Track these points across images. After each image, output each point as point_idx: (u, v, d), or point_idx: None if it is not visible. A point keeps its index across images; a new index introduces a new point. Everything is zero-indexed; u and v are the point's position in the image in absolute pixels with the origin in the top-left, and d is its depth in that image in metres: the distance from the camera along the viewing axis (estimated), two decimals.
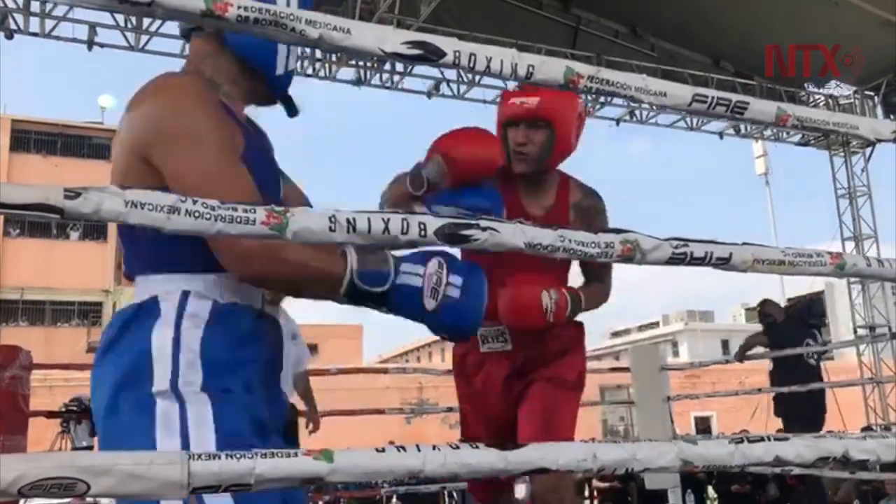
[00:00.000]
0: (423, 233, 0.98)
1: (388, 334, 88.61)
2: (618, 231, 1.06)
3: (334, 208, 0.97)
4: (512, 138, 2.13)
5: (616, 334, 44.52)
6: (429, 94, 8.80)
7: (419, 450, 0.91)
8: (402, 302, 1.27)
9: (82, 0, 0.88)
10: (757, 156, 17.79)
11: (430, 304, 1.27)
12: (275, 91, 1.43)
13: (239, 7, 0.93)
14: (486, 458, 0.93)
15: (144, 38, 7.68)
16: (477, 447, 0.93)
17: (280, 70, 1.39)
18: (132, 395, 1.21)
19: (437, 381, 21.40)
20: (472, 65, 1.05)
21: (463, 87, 8.94)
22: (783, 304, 7.29)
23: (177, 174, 1.22)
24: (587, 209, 2.24)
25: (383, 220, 0.97)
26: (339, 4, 7.66)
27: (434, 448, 0.91)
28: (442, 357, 39.44)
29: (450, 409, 4.40)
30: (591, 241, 1.03)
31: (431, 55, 1.03)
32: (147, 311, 1.26)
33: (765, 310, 6.40)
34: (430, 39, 1.03)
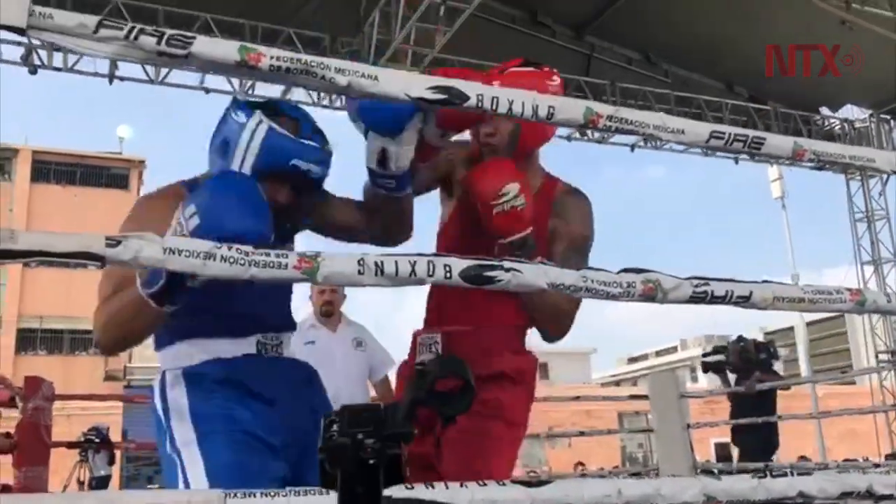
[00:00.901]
0: (448, 274, 1.01)
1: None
2: (639, 271, 1.08)
3: (362, 252, 1.00)
4: (480, 129, 2.00)
5: (633, 360, 44.22)
6: None
7: (447, 487, 0.93)
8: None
9: (125, 54, 0.92)
10: (772, 179, 17.70)
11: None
12: None
13: (271, 57, 0.97)
14: (511, 495, 0.94)
15: (164, 70, 7.81)
16: (504, 484, 0.95)
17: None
18: (161, 452, 1.59)
19: None
20: (494, 107, 1.08)
21: None
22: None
23: None
24: (568, 204, 2.07)
25: (410, 262, 1.00)
26: (355, 36, 7.77)
27: (462, 486, 0.93)
28: None
29: None
30: (613, 281, 1.05)
31: (455, 99, 1.06)
32: (151, 390, 1.65)
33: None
34: (453, 84, 1.06)
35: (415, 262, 1.00)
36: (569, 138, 9.02)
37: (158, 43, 0.93)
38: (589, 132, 8.97)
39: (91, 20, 0.92)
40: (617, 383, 39.90)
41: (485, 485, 0.95)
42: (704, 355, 6.73)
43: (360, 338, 4.23)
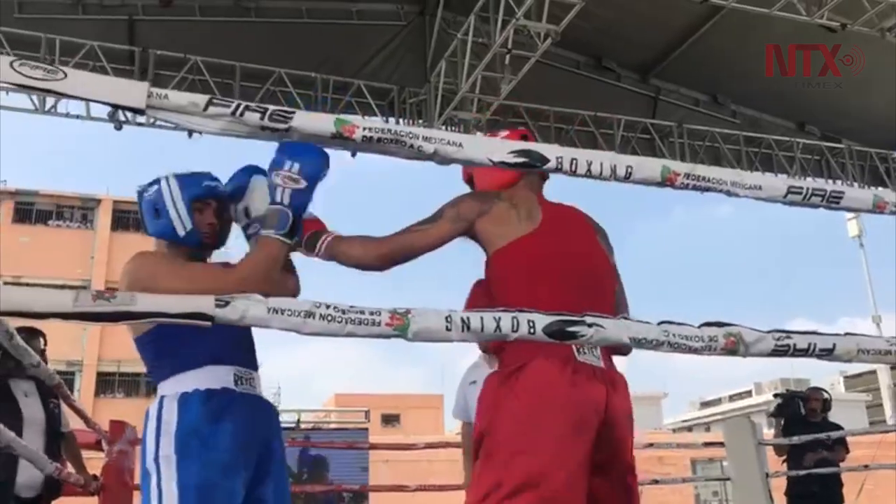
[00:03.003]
0: (532, 330, 1.04)
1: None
2: (720, 324, 1.10)
3: (449, 308, 1.05)
4: None
5: (706, 404, 42.96)
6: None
7: None
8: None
9: (231, 129, 0.99)
10: (849, 218, 17.19)
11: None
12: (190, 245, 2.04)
13: (364, 129, 1.04)
14: None
15: None
16: None
17: (181, 232, 2.01)
18: (141, 466, 1.87)
19: None
20: (573, 169, 1.13)
21: None
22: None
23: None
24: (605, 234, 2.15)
25: (494, 318, 1.04)
26: (421, 86, 7.96)
27: None
28: None
29: None
30: (694, 335, 1.07)
31: (536, 162, 1.11)
32: (147, 413, 1.93)
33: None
34: (534, 148, 1.11)
35: (499, 318, 1.04)
36: None
37: (262, 118, 1.01)
38: None
39: (201, 99, 1.00)
40: (689, 429, 38.77)
41: None
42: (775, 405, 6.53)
43: None
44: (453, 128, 7.66)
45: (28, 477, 3.98)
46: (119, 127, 7.66)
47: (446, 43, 7.59)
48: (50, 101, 7.57)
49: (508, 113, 8.20)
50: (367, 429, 10.83)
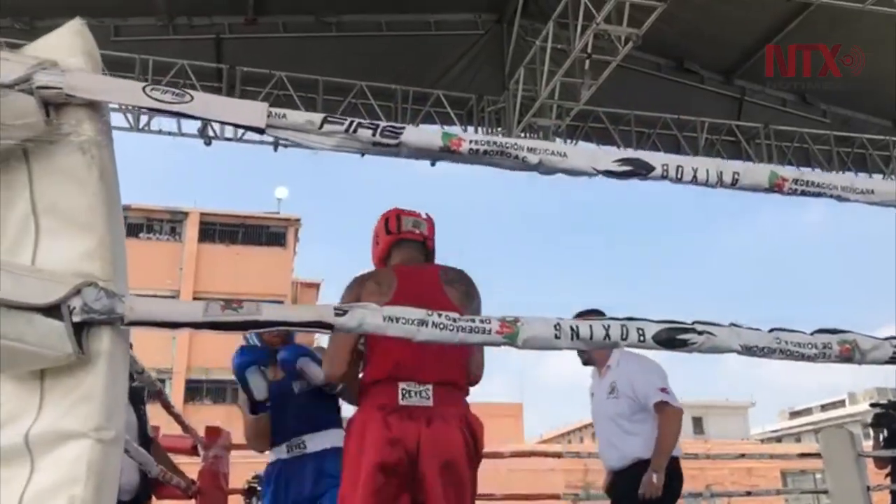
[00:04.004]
0: (641, 338, 1.05)
1: (549, 413, 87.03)
2: (834, 331, 1.07)
3: (557, 317, 1.06)
4: None
5: (795, 414, 41.47)
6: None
7: None
8: None
9: (344, 146, 1.03)
10: None
11: None
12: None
13: (470, 142, 1.06)
14: None
15: None
16: None
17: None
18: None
19: (601, 464, 20.71)
20: (679, 176, 1.13)
21: None
22: None
23: None
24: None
25: (603, 326, 1.05)
26: (500, 94, 7.98)
27: None
28: None
29: None
30: (807, 343, 1.05)
31: (641, 170, 1.11)
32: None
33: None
34: (638, 156, 1.11)
35: (608, 325, 1.05)
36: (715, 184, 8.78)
37: (374, 134, 1.04)
38: None
39: (317, 117, 1.05)
40: (778, 439, 37.49)
41: None
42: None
43: (614, 383, 3.70)
44: (532, 135, 7.65)
45: (125, 481, 4.16)
46: (209, 143, 7.94)
47: (524, 50, 7.59)
48: (143, 118, 7.91)
49: (588, 118, 8.14)
50: None
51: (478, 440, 2.23)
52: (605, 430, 3.78)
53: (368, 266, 2.63)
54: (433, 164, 8.92)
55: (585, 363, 3.92)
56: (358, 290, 2.32)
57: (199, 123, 8.04)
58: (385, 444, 2.09)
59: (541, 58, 7.19)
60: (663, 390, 3.55)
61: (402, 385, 2.15)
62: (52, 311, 0.93)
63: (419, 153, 1.07)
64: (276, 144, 8.27)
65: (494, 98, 8.03)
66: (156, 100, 0.99)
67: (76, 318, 0.92)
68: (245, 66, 7.53)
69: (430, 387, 2.17)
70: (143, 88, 1.01)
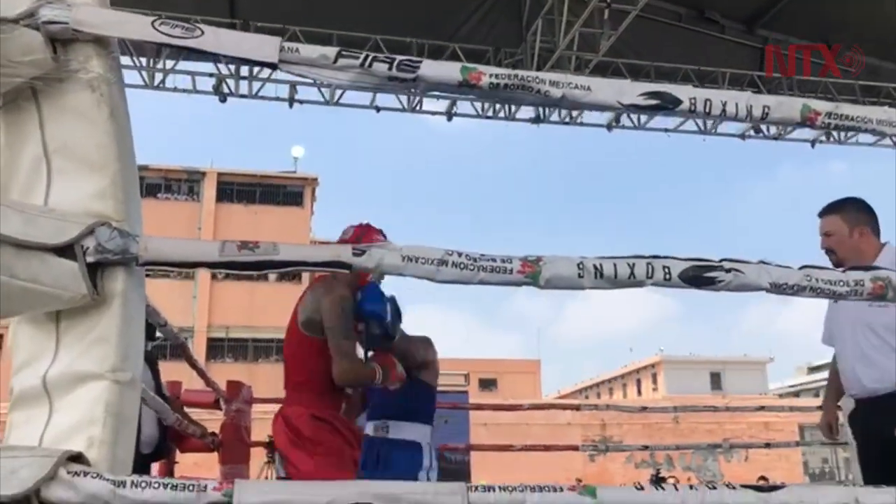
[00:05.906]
0: (667, 276, 1.02)
1: (567, 369, 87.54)
2: (867, 268, 1.04)
3: (581, 256, 1.03)
4: None
5: (814, 369, 41.43)
6: (609, 127, 8.75)
7: (677, 488, 0.94)
8: None
9: (359, 80, 1.00)
10: None
11: None
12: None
13: (491, 75, 1.03)
14: (744, 499, 0.94)
15: (338, 92, 8.24)
16: (734, 487, 0.94)
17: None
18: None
19: (620, 419, 20.87)
20: (707, 110, 1.08)
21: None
22: None
23: None
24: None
25: (629, 265, 1.02)
26: (517, 46, 7.85)
27: (692, 488, 0.93)
28: (624, 393, 38.43)
29: (645, 447, 4.27)
30: (839, 280, 1.02)
31: (668, 104, 1.07)
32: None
33: None
34: (665, 89, 1.07)
35: (633, 264, 1.02)
36: (743, 136, 8.64)
37: (390, 69, 1.01)
38: (764, 128, 8.55)
39: (331, 51, 1.01)
40: (796, 394, 37.53)
41: (714, 488, 0.95)
42: None
43: None
44: None
45: (146, 435, 4.21)
46: (224, 99, 7.89)
47: (542, 1, 7.43)
48: (158, 76, 7.87)
49: (607, 70, 8.00)
50: (467, 392, 10.93)
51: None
52: (858, 344, 2.92)
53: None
54: (449, 119, 8.86)
55: (836, 265, 2.87)
56: None
57: (213, 80, 7.99)
58: None
59: (559, 8, 7.04)
60: None
61: None
62: (66, 251, 0.91)
63: (437, 87, 1.04)
64: (290, 101, 8.22)
65: (512, 50, 7.90)
66: (165, 34, 0.96)
67: (90, 259, 0.91)
68: (258, 21, 7.43)
69: None
70: (153, 23, 0.98)
